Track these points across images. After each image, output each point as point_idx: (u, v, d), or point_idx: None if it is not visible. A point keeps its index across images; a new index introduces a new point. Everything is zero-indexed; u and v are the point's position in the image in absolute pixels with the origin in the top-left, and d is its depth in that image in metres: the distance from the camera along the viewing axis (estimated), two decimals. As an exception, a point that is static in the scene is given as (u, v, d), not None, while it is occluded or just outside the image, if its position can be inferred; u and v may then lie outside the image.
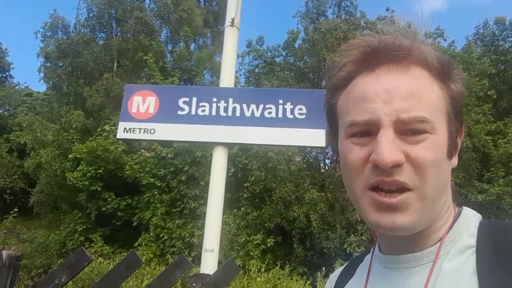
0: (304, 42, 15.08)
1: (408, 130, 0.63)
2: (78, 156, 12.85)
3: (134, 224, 12.45)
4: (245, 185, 11.70)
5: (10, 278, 2.57)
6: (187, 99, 3.49)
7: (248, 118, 3.45)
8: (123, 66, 18.06)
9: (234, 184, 11.66)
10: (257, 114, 3.45)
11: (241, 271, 8.94)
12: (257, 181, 11.55)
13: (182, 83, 15.33)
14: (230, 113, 3.45)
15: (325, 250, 10.70)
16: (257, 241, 10.70)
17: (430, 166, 0.62)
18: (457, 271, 0.64)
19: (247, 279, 8.42)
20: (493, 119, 12.61)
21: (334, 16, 16.74)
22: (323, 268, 9.00)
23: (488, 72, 13.10)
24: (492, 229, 0.67)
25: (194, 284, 2.46)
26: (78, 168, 12.86)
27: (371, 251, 0.82)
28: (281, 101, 3.49)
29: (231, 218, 11.05)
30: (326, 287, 0.95)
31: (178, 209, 12.21)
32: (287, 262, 10.46)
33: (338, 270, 0.94)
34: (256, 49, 15.75)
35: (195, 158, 12.02)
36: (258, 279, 8.41)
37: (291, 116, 3.45)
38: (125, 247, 12.42)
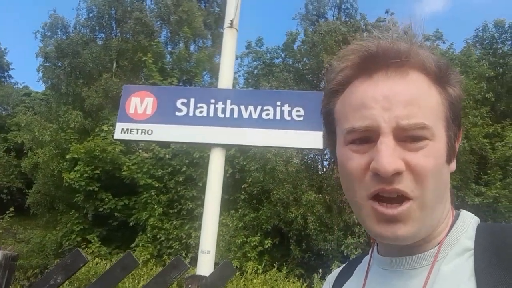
0: (303, 44, 15.10)
1: (408, 136, 0.62)
2: (76, 156, 12.83)
3: (131, 224, 12.43)
4: (242, 186, 11.70)
5: (6, 278, 2.57)
6: (185, 100, 3.48)
7: (246, 119, 3.45)
8: (122, 66, 18.06)
9: (231, 185, 11.65)
10: (255, 115, 3.45)
11: (238, 273, 8.93)
12: (255, 182, 11.54)
13: (181, 84, 15.33)
14: (228, 115, 3.44)
15: (322, 252, 10.70)
16: (254, 243, 10.70)
17: (430, 174, 0.62)
18: (455, 273, 0.64)
19: (243, 281, 8.40)
20: (491, 122, 12.63)
21: (334, 18, 16.77)
22: (320, 270, 9.00)
23: (487, 75, 13.13)
24: (490, 232, 0.68)
25: (190, 286, 2.45)
26: (75, 169, 12.84)
27: (370, 252, 0.82)
28: (279, 103, 3.49)
29: (229, 219, 11.04)
30: None
31: (176, 210, 12.20)
32: (284, 264, 10.45)
33: (336, 272, 0.94)
34: (255, 51, 15.77)
35: (193, 159, 12.02)
36: (255, 280, 8.40)
37: (289, 118, 3.45)
38: (122, 247, 12.40)
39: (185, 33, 16.80)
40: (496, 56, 15.02)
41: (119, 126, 3.42)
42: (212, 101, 3.48)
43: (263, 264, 10.00)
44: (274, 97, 3.64)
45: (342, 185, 0.72)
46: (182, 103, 3.47)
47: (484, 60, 13.75)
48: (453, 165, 0.71)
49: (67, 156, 13.09)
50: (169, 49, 19.10)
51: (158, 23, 19.82)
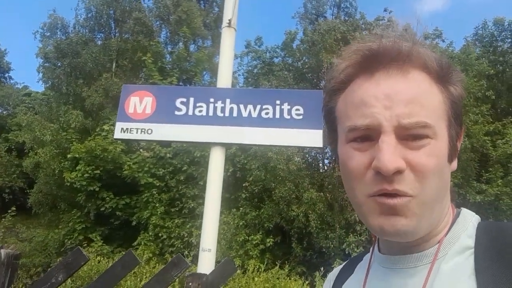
0: (303, 43, 15.09)
1: (409, 135, 0.63)
2: (77, 155, 12.86)
3: (133, 223, 12.48)
4: (244, 185, 11.71)
5: (9, 276, 2.59)
6: (184, 100, 3.50)
7: (246, 118, 3.46)
8: (122, 66, 18.06)
9: (233, 184, 11.67)
10: (254, 114, 3.46)
11: (240, 271, 8.95)
12: (256, 181, 11.56)
13: (181, 83, 15.34)
14: (227, 114, 3.46)
15: (324, 250, 10.71)
16: (256, 241, 10.72)
17: (431, 173, 0.63)
18: (456, 271, 0.64)
19: (245, 279, 8.42)
20: (491, 120, 12.62)
21: (333, 17, 16.74)
22: (322, 268, 9.02)
23: (487, 73, 13.11)
24: (491, 230, 0.68)
25: (190, 284, 2.47)
26: (76, 168, 12.88)
27: (371, 250, 0.82)
28: (278, 102, 3.50)
29: (230, 217, 11.07)
30: (324, 286, 0.95)
31: (177, 209, 12.24)
32: (286, 262, 10.47)
33: (337, 269, 0.94)
34: (254, 50, 15.77)
35: (193, 158, 12.04)
36: (257, 278, 8.42)
37: (288, 117, 3.46)
38: (124, 246, 12.44)
39: (184, 33, 16.79)
40: (496, 54, 14.99)
41: (118, 125, 3.44)
42: (212, 100, 3.49)
43: (265, 263, 10.03)
44: (274, 96, 3.66)
45: (344, 183, 0.72)
46: (182, 103, 3.49)
47: (484, 58, 13.73)
48: (455, 164, 0.71)
49: (68, 156, 13.12)
50: (169, 49, 19.10)
51: (158, 23, 19.82)
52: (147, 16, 18.96)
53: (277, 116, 3.45)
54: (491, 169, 11.73)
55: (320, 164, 14.29)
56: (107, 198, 12.85)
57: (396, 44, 0.66)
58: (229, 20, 3.78)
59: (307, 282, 8.90)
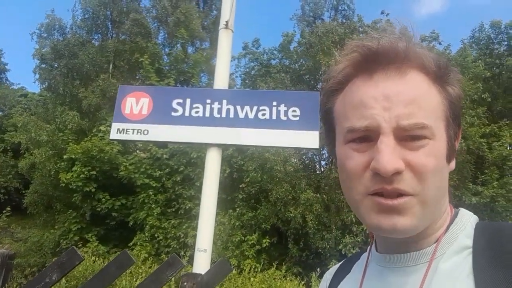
0: (300, 45, 15.12)
1: (408, 136, 0.63)
2: (73, 156, 12.83)
3: (129, 224, 12.45)
4: (240, 186, 11.72)
5: (3, 276, 2.58)
6: (180, 101, 3.49)
7: (242, 119, 3.46)
8: (119, 67, 18.04)
9: (229, 185, 11.68)
10: (251, 115, 3.46)
11: (236, 271, 8.95)
12: (253, 182, 11.57)
13: (178, 84, 15.33)
14: (224, 115, 3.46)
15: (320, 251, 10.73)
16: (252, 241, 10.73)
17: (430, 173, 0.63)
18: (454, 271, 0.64)
19: (242, 279, 8.42)
20: (487, 122, 12.68)
21: (331, 19, 16.78)
22: (318, 269, 9.03)
23: (483, 75, 13.18)
24: (489, 231, 0.68)
25: (185, 284, 2.47)
26: (72, 169, 12.84)
27: (368, 249, 0.82)
28: (275, 103, 3.50)
29: (226, 218, 11.07)
30: (321, 285, 0.94)
31: (173, 209, 12.22)
32: (282, 262, 10.48)
33: (333, 268, 0.94)
34: (252, 52, 15.79)
35: (190, 159, 12.04)
36: (253, 279, 8.42)
37: (285, 118, 3.46)
38: (120, 246, 12.41)
39: (182, 34, 16.79)
40: (493, 57, 15.08)
41: (114, 126, 3.43)
42: (208, 101, 3.49)
43: (262, 263, 10.03)
44: (270, 97, 3.65)
45: (341, 183, 0.72)
46: (178, 103, 3.49)
47: (480, 61, 13.80)
48: (453, 164, 0.72)
49: (65, 157, 13.08)
50: (167, 50, 19.10)
51: (156, 24, 19.81)
52: (145, 17, 18.94)
53: (274, 117, 3.45)
54: (486, 171, 11.79)
55: (317, 166, 14.32)
56: (103, 199, 12.82)
57: (394, 44, 0.66)
58: (226, 21, 3.78)
59: (303, 282, 8.92)
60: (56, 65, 17.97)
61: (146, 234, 11.76)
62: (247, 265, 9.44)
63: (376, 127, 0.63)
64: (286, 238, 11.54)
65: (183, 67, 15.93)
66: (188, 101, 3.49)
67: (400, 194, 0.63)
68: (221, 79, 3.73)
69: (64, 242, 12.59)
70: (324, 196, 11.27)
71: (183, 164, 12.28)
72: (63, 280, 7.41)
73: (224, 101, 3.49)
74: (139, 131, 3.41)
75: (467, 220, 0.72)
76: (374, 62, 0.66)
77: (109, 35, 19.42)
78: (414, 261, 0.69)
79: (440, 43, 14.32)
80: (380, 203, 0.63)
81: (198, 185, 11.26)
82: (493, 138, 12.54)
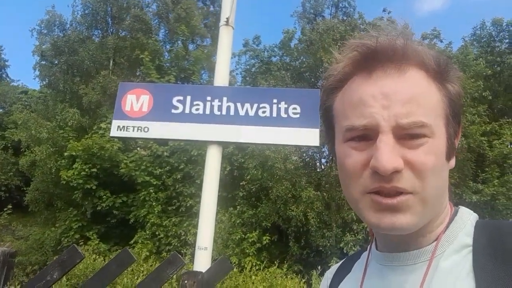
0: (301, 42, 15.09)
1: (407, 134, 0.62)
2: (74, 153, 12.83)
3: (130, 222, 12.46)
4: (241, 183, 11.73)
5: (4, 274, 2.58)
6: (181, 98, 3.49)
7: (242, 117, 3.45)
8: (119, 64, 18.00)
9: (230, 182, 11.69)
10: (251, 113, 3.46)
11: (237, 269, 8.97)
12: (253, 179, 11.57)
13: (178, 82, 15.31)
14: (224, 112, 3.45)
15: (320, 248, 10.74)
16: (252, 239, 10.74)
17: (430, 171, 0.62)
18: (454, 269, 0.64)
19: (243, 277, 8.44)
20: (488, 120, 12.67)
21: (331, 16, 16.74)
22: (319, 267, 9.05)
23: (484, 73, 13.16)
24: (489, 229, 0.68)
25: (186, 282, 2.47)
26: (73, 166, 12.85)
27: (368, 248, 0.82)
28: (275, 101, 3.50)
29: (227, 216, 11.08)
30: (322, 284, 0.94)
31: (174, 207, 12.24)
32: (284, 260, 10.50)
33: (334, 267, 0.94)
34: (252, 49, 15.76)
35: (191, 156, 12.03)
36: (254, 277, 8.44)
37: (285, 116, 3.46)
38: (120, 244, 12.43)
39: (182, 31, 16.75)
40: (494, 55, 15.03)
41: (115, 123, 3.43)
42: (208, 98, 3.49)
43: (263, 261, 10.04)
44: (271, 94, 3.65)
45: (341, 181, 0.72)
46: (178, 101, 3.48)
47: (481, 59, 13.77)
48: (453, 162, 0.71)
49: (65, 154, 13.08)
50: (167, 47, 19.04)
51: (156, 20, 19.75)
52: (146, 14, 18.89)
53: (274, 114, 3.45)
54: (487, 169, 11.79)
55: (317, 163, 14.32)
56: (104, 196, 12.83)
57: (392, 42, 0.66)
58: (227, 18, 3.77)
59: (303, 280, 8.93)
60: (56, 62, 17.93)
61: (147, 232, 11.78)
62: (248, 263, 9.45)
63: (375, 125, 0.63)
64: (286, 236, 11.55)
65: (183, 64, 15.90)
66: (188, 98, 3.49)
67: (399, 192, 0.62)
68: (221, 76, 3.72)
69: (65, 240, 12.61)
70: (324, 194, 11.28)
71: (183, 161, 12.28)
72: (64, 278, 7.43)
73: (225, 99, 3.49)
74: (140, 128, 3.40)
75: (467, 218, 0.72)
76: (373, 60, 0.66)
77: (109, 31, 19.37)
78: (414, 259, 0.69)
79: (441, 41, 14.31)
80: (379, 202, 0.63)
81: (198, 183, 11.26)
82: (494, 136, 12.53)
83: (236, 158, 11.93)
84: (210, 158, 3.47)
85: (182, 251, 10.53)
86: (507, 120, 12.98)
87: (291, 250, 11.12)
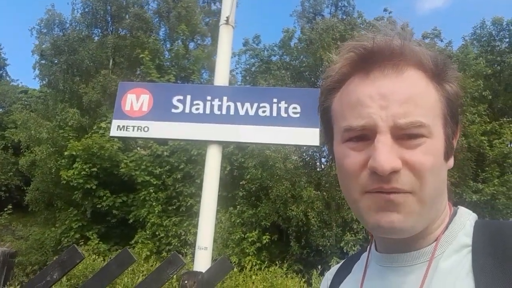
0: (300, 41, 15.09)
1: (405, 134, 0.62)
2: (74, 153, 12.82)
3: (130, 221, 12.46)
4: (241, 183, 11.73)
5: (4, 274, 2.58)
6: (181, 97, 3.48)
7: (242, 116, 3.45)
8: (119, 63, 17.99)
9: (230, 182, 11.69)
10: (251, 112, 3.45)
11: (237, 269, 8.97)
12: (253, 179, 11.57)
13: (179, 81, 15.30)
14: (224, 112, 3.45)
15: (320, 248, 10.75)
16: (252, 239, 10.74)
17: (428, 171, 0.62)
18: (453, 270, 0.64)
19: (243, 277, 8.44)
20: (488, 120, 12.67)
21: (331, 16, 16.72)
22: (319, 267, 9.05)
23: (484, 72, 13.15)
24: (488, 229, 0.68)
25: (186, 282, 2.46)
26: (73, 166, 12.85)
27: (368, 249, 0.82)
28: (275, 100, 3.49)
29: (227, 216, 11.08)
30: (322, 285, 0.94)
31: (174, 207, 12.24)
32: (284, 260, 10.50)
33: (334, 268, 0.94)
34: (252, 48, 15.76)
35: (191, 156, 12.03)
36: (254, 276, 8.44)
37: (285, 115, 3.45)
38: (121, 244, 12.43)
39: (182, 30, 16.74)
40: (494, 54, 15.02)
41: (115, 123, 3.43)
42: (208, 98, 3.48)
43: (264, 261, 10.04)
44: (271, 94, 3.65)
45: (340, 181, 0.72)
46: (178, 100, 3.48)
47: (481, 58, 13.76)
48: (451, 162, 0.71)
49: (65, 154, 13.08)
50: (168, 46, 19.02)
51: (157, 19, 19.72)
52: (146, 12, 18.86)
53: (274, 114, 3.44)
54: (487, 168, 11.79)
55: (317, 163, 14.32)
56: (104, 196, 12.83)
57: (391, 42, 0.66)
58: (227, 17, 3.76)
59: (303, 280, 8.93)
60: (56, 61, 17.91)
61: (148, 232, 11.78)
62: (248, 262, 9.45)
63: (373, 126, 0.63)
64: (286, 236, 11.55)
65: (184, 63, 15.89)
66: (188, 97, 3.48)
67: (397, 192, 0.62)
68: (221, 76, 3.72)
69: (65, 240, 12.61)
70: (324, 193, 11.28)
71: (183, 161, 12.28)
72: (64, 278, 7.43)
73: (225, 98, 3.48)
74: (139, 128, 3.40)
75: (466, 218, 0.72)
76: (370, 60, 0.66)
77: (108, 30, 19.34)
78: (413, 260, 0.69)
79: (441, 40, 14.30)
80: (378, 198, 0.63)
81: (198, 182, 11.26)
82: (494, 136, 12.53)
83: (236, 157, 11.94)
84: (210, 158, 3.47)
85: (182, 251, 10.53)
86: (507, 119, 12.98)
87: (291, 249, 11.12)
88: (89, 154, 12.78)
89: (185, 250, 10.61)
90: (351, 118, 0.66)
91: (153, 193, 12.23)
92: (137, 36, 17.26)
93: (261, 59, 15.53)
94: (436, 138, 0.65)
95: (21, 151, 16.59)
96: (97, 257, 9.52)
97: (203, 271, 2.72)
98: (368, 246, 0.82)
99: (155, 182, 12.33)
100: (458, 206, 0.76)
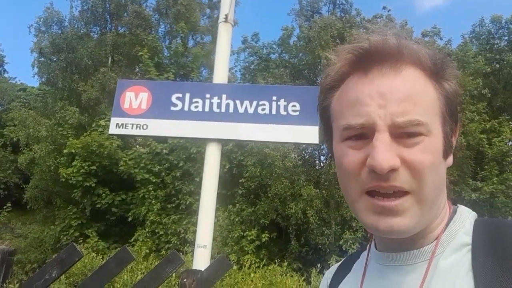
0: (299, 39, 15.07)
1: (403, 133, 0.63)
2: (73, 151, 12.82)
3: (129, 219, 12.46)
4: (240, 181, 11.73)
5: (3, 272, 2.58)
6: (180, 95, 3.47)
7: (242, 114, 3.44)
8: (118, 61, 17.96)
9: (229, 180, 11.68)
10: (251, 110, 3.44)
11: (236, 267, 8.98)
12: (252, 177, 11.57)
13: (177, 79, 15.28)
14: (223, 109, 3.44)
15: (319, 246, 10.76)
16: (251, 237, 10.75)
17: (427, 169, 0.62)
18: (453, 268, 0.64)
19: (242, 275, 8.44)
20: (487, 118, 12.67)
21: (329, 14, 16.69)
22: (318, 265, 9.06)
23: (483, 70, 13.15)
24: (488, 227, 0.68)
25: (185, 280, 2.46)
26: (72, 164, 12.84)
27: (367, 248, 0.82)
28: (274, 98, 3.48)
29: (226, 214, 11.08)
30: (321, 284, 0.95)
31: (173, 205, 12.24)
32: (283, 258, 10.51)
33: (334, 267, 0.94)
34: (251, 46, 15.73)
35: (190, 154, 12.02)
36: (253, 274, 8.45)
37: (285, 113, 3.44)
38: (120, 242, 12.44)
39: (181, 28, 16.70)
40: (493, 52, 15.01)
41: (113, 120, 3.42)
42: (208, 96, 3.47)
43: (263, 259, 10.05)
44: (270, 92, 3.63)
45: (339, 180, 0.72)
46: (177, 98, 3.47)
47: (480, 56, 13.75)
48: (450, 160, 0.71)
49: (64, 151, 13.07)
50: (167, 43, 18.97)
51: (156, 16, 19.67)
52: (145, 10, 18.82)
53: (273, 112, 3.43)
54: (486, 166, 11.80)
55: (317, 161, 14.32)
56: (103, 194, 12.82)
57: (386, 41, 0.66)
58: (226, 15, 3.75)
59: (302, 278, 8.94)
60: (55, 59, 17.88)
61: (147, 230, 11.78)
62: (247, 261, 9.45)
63: (371, 124, 0.63)
64: (286, 234, 11.57)
65: (183, 61, 15.87)
66: (187, 95, 3.47)
67: (396, 192, 0.63)
68: (220, 74, 3.70)
69: (64, 238, 12.62)
70: (323, 191, 11.29)
71: (182, 159, 12.27)
72: (63, 276, 7.42)
73: (224, 96, 3.47)
74: (138, 125, 3.39)
75: (466, 217, 0.72)
76: (368, 59, 0.66)
77: (107, 28, 19.29)
78: (414, 259, 0.69)
79: (441, 38, 14.29)
80: (376, 205, 0.63)
81: (198, 180, 11.26)
82: (493, 134, 12.54)
83: (235, 155, 11.93)
84: (209, 156, 3.46)
85: (181, 249, 10.53)
86: (507, 117, 12.99)
87: (290, 247, 11.13)
88: (88, 152, 12.77)
89: (185, 248, 10.61)
90: (350, 117, 0.66)
91: (152, 191, 12.23)
92: (136, 34, 17.22)
93: (260, 57, 15.51)
94: (435, 136, 0.65)
95: (20, 149, 16.57)
96: (96, 255, 9.51)
97: (202, 269, 2.73)
98: (368, 245, 0.82)
99: (154, 180, 12.33)
100: (458, 205, 0.76)
